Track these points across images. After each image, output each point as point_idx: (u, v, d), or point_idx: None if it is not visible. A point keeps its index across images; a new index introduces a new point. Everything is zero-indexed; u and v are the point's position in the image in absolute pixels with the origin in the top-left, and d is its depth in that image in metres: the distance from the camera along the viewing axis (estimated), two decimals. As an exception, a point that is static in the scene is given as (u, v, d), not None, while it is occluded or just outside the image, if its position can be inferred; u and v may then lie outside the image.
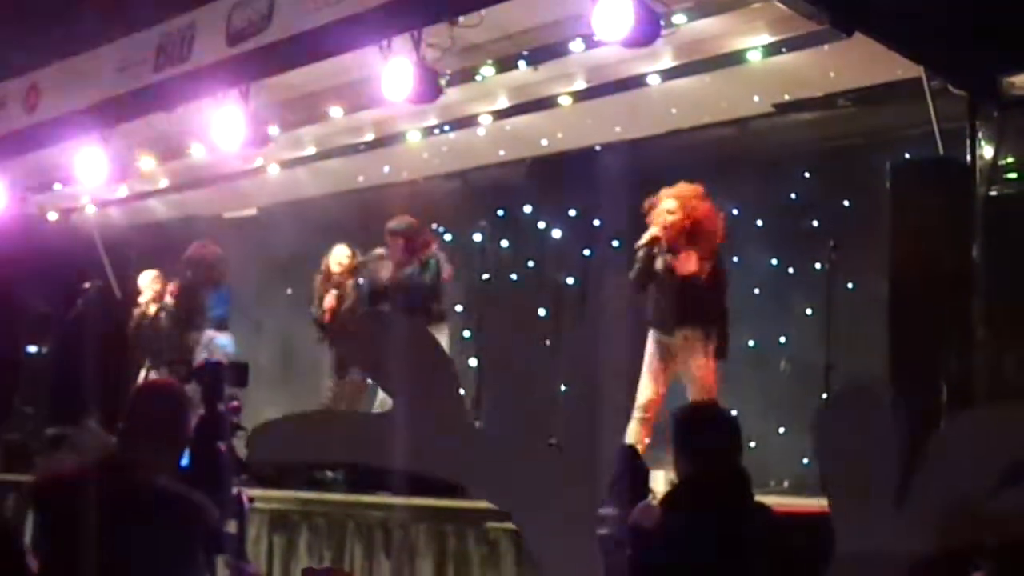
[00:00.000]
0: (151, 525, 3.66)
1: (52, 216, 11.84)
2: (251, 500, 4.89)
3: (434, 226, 10.65)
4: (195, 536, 3.73)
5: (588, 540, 1.51)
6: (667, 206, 7.13)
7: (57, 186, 10.71)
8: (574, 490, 1.46)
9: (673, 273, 7.02)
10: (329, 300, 9.21)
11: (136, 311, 10.32)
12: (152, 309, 10.22)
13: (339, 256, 9.34)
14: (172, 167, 10.36)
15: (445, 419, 1.46)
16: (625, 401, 1.49)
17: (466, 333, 9.16)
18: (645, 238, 7.11)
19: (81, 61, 9.13)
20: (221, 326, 9.81)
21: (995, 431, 1.91)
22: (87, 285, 10.76)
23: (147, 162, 9.97)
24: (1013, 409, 2.11)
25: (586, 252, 9.75)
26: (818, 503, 6.21)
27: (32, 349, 11.71)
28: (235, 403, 4.79)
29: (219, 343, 9.60)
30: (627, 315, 1.55)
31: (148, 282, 10.36)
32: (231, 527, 4.16)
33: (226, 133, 8.15)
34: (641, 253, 7.11)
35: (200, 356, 9.49)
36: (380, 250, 8.92)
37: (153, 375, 9.97)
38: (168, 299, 10.10)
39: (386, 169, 10.27)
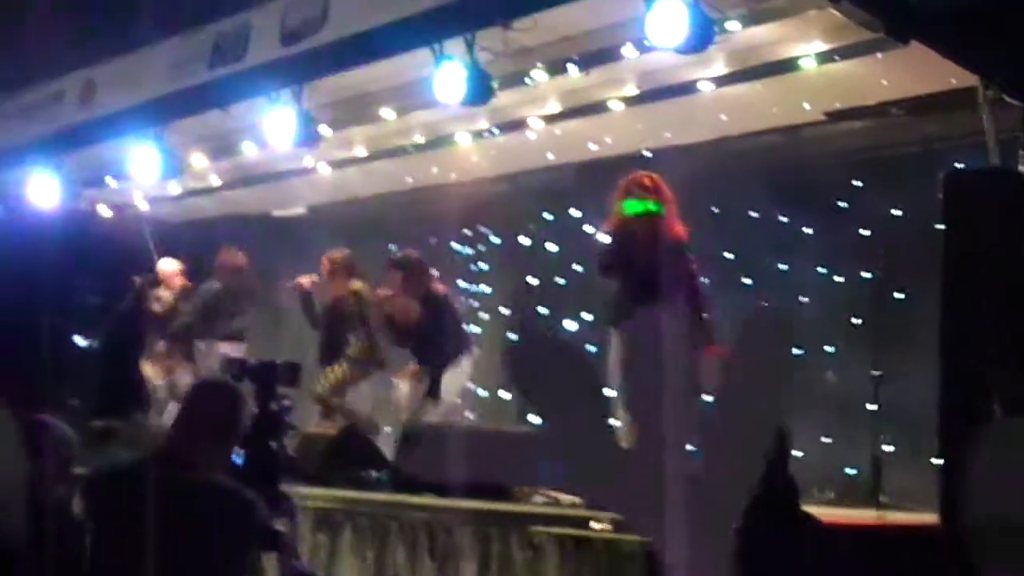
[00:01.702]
0: (203, 521, 3.70)
1: (104, 211, 11.96)
2: (301, 498, 4.92)
3: (481, 229, 10.72)
4: (246, 533, 3.76)
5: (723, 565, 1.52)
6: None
7: (110, 181, 10.81)
8: (715, 513, 1.47)
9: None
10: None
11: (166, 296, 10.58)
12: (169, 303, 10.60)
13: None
14: (223, 164, 10.45)
15: (593, 441, 1.47)
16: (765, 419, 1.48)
17: (512, 336, 9.17)
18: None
19: (137, 58, 9.23)
20: (237, 337, 10.04)
21: None
22: (137, 280, 10.88)
23: (199, 159, 10.07)
24: None
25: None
26: (863, 514, 6.17)
27: (81, 342, 11.83)
28: (286, 402, 4.82)
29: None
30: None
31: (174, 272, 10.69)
32: (282, 525, 4.19)
33: (278, 132, 8.21)
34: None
35: (206, 367, 9.71)
36: (384, 290, 8.99)
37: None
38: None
39: (435, 170, 10.30)
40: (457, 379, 8.78)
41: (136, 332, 10.78)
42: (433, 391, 8.63)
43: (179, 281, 10.78)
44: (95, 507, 3.96)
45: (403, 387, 9.00)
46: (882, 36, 6.62)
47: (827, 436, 8.31)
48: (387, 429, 9.46)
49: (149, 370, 10.65)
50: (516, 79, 7.75)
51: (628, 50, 7.20)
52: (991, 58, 6.58)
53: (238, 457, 4.07)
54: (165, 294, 10.76)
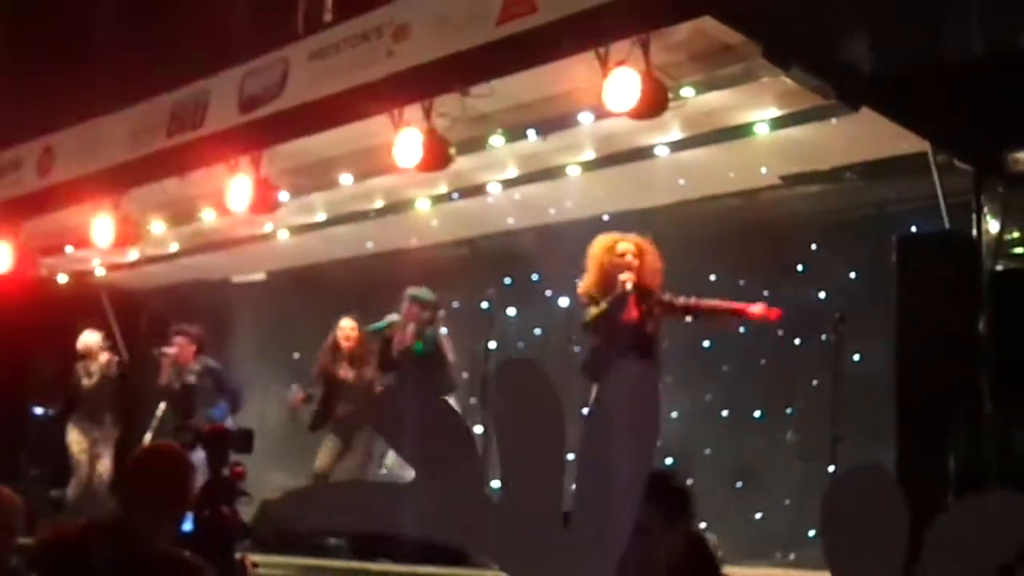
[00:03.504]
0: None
1: (62, 278, 11.88)
2: (255, 565, 4.87)
3: (441, 293, 10.71)
4: (195, 602, 3.70)
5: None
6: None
7: (68, 248, 10.75)
8: (586, 564, 1.48)
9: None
10: (345, 371, 9.36)
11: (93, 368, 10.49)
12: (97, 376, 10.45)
13: (347, 329, 9.46)
14: (182, 231, 10.42)
15: (462, 491, 1.48)
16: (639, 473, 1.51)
17: (472, 400, 9.15)
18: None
19: (95, 126, 9.24)
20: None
21: (1006, 515, 1.91)
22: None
23: (158, 226, 10.04)
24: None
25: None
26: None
27: (39, 411, 11.69)
28: (239, 468, 4.79)
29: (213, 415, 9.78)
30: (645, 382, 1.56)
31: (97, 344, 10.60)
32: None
33: (237, 198, 8.21)
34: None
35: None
36: (394, 316, 8.97)
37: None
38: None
39: (395, 235, 10.31)
40: None
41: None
42: None
43: (105, 355, 10.62)
44: (42, 577, 3.90)
45: None
46: (834, 102, 6.71)
47: (787, 498, 8.31)
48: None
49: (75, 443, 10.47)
50: (475, 145, 7.79)
51: (585, 116, 7.26)
52: (940, 124, 6.68)
53: (188, 524, 4.02)
54: (92, 367, 10.59)
